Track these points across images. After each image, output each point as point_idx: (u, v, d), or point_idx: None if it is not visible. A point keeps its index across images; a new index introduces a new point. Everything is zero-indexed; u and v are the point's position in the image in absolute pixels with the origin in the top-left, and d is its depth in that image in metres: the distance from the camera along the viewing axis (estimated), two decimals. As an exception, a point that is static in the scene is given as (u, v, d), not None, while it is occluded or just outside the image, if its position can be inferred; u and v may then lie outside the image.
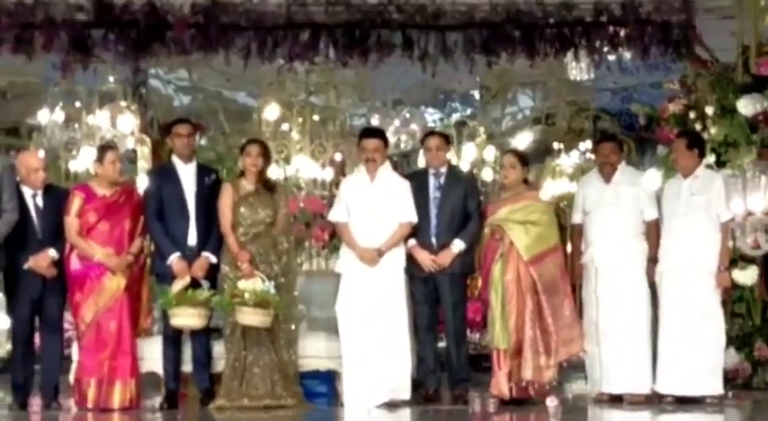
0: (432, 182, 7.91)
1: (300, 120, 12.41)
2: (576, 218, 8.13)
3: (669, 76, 9.80)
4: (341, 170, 10.46)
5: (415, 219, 7.72)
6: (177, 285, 7.46)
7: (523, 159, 7.98)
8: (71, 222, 7.54)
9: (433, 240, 7.79)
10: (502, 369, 7.65)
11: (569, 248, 8.30)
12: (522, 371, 7.59)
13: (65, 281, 7.59)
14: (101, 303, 7.50)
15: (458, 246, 7.75)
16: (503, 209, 7.78)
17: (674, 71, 9.55)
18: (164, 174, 7.90)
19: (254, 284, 7.39)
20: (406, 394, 7.66)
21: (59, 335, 7.80)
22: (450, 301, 7.83)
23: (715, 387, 7.69)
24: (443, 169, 7.96)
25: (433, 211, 7.83)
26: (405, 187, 7.80)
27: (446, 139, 8.18)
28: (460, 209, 7.85)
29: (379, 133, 8.10)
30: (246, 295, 7.31)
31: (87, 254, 7.50)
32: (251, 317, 7.36)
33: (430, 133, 8.51)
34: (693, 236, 7.68)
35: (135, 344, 7.61)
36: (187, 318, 7.45)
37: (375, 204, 7.72)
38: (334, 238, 9.56)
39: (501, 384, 7.64)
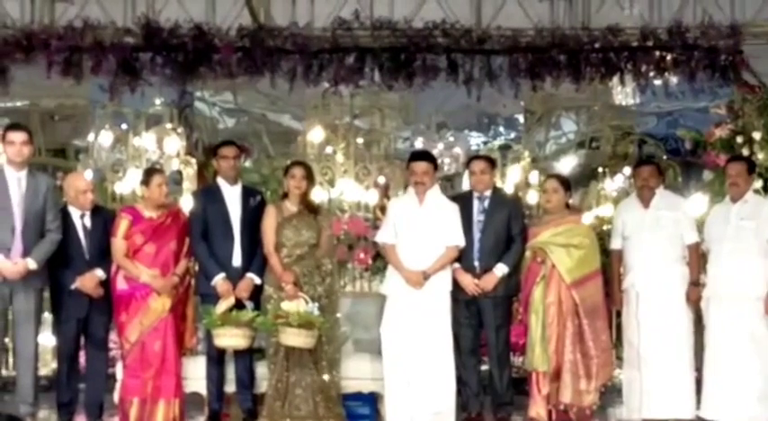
0: (476, 205, 7.90)
1: (345, 143, 12.44)
2: (616, 243, 8.09)
3: (715, 101, 9.76)
4: (385, 193, 10.47)
5: (462, 243, 7.71)
6: (222, 306, 7.50)
7: (566, 183, 7.97)
8: (118, 244, 7.60)
9: (477, 264, 7.78)
10: (541, 392, 7.64)
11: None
12: (560, 394, 7.58)
13: (111, 301, 7.65)
14: (146, 323, 7.55)
15: (501, 269, 7.74)
16: (545, 232, 7.77)
17: (720, 96, 9.50)
18: (209, 195, 7.95)
19: (297, 305, 7.41)
20: (450, 417, 7.64)
21: (105, 354, 7.85)
22: (494, 325, 7.81)
23: (762, 414, 7.61)
24: (488, 193, 7.95)
25: (476, 235, 7.81)
26: (453, 211, 7.79)
27: (491, 163, 8.16)
28: (504, 232, 7.84)
29: (428, 156, 8.07)
30: (290, 316, 7.33)
31: (133, 275, 7.56)
32: (294, 338, 7.37)
33: (475, 157, 8.50)
34: (741, 261, 7.62)
35: (179, 364, 7.65)
36: (231, 339, 7.48)
37: (423, 227, 7.72)
38: (377, 261, 9.57)
39: (539, 407, 7.64)
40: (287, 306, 7.41)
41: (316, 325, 7.39)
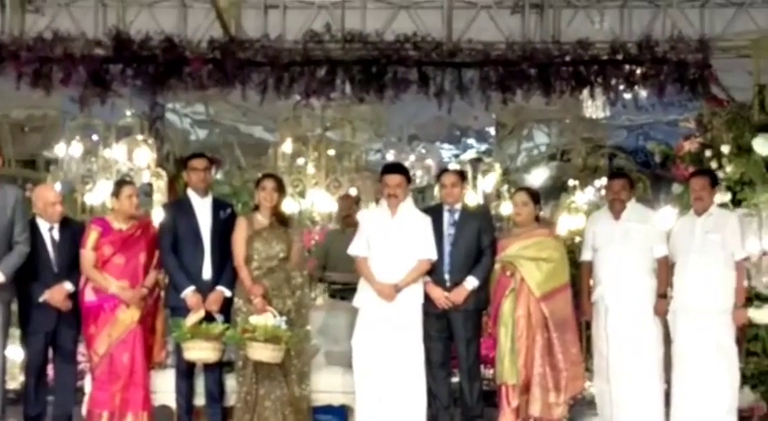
0: (446, 218, 7.90)
1: (316, 154, 12.46)
2: (586, 255, 8.11)
3: (685, 115, 9.84)
4: (350, 205, 10.44)
5: (434, 256, 7.70)
6: (191, 319, 7.46)
7: (535, 196, 7.99)
8: (87, 255, 7.57)
9: (447, 277, 7.77)
10: (510, 405, 7.65)
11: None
12: (530, 407, 7.59)
13: (79, 313, 7.61)
14: (114, 335, 7.51)
15: (471, 282, 7.74)
16: (514, 245, 7.78)
17: (690, 109, 9.59)
18: (179, 207, 7.91)
19: (265, 320, 7.39)
20: None
21: (73, 367, 7.79)
22: (464, 338, 7.81)
23: (731, 425, 7.65)
24: (458, 206, 7.96)
25: (446, 248, 7.81)
26: (426, 224, 7.78)
27: (462, 176, 8.17)
28: (475, 245, 7.84)
29: (401, 169, 8.04)
30: (257, 331, 7.31)
31: (102, 286, 7.53)
32: (261, 352, 7.34)
33: (445, 170, 8.49)
34: (708, 274, 7.65)
35: (148, 377, 7.62)
36: (201, 352, 7.45)
37: (395, 240, 7.72)
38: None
39: (508, 420, 7.64)
40: (254, 320, 7.38)
41: (283, 339, 7.36)
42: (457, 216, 7.90)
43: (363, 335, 7.68)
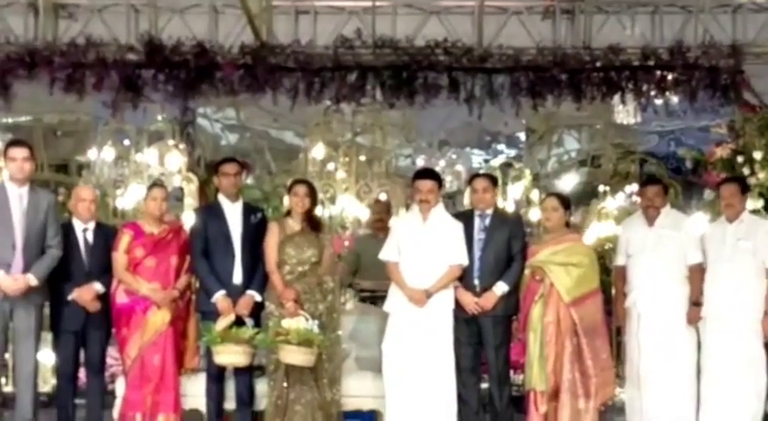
0: (477, 223, 7.89)
1: (346, 160, 12.46)
2: (620, 260, 8.08)
3: (717, 121, 9.77)
4: (382, 210, 10.45)
5: (465, 261, 7.70)
6: (222, 323, 7.49)
7: (565, 202, 7.96)
8: (119, 258, 7.62)
9: (477, 282, 7.77)
10: (538, 410, 7.63)
11: (613, 291, 8.25)
12: (559, 414, 7.55)
13: (108, 316, 7.66)
14: (145, 337, 7.56)
15: (501, 288, 7.73)
16: (544, 250, 7.77)
17: (721, 115, 9.51)
18: (210, 212, 7.95)
19: (297, 323, 7.41)
20: None
21: (101, 371, 7.84)
22: (493, 343, 7.80)
23: (755, 434, 7.62)
24: (489, 211, 7.94)
25: (476, 254, 7.80)
26: (457, 229, 7.77)
27: (493, 181, 8.15)
28: (505, 251, 7.82)
29: (433, 175, 8.04)
30: (290, 334, 7.33)
31: (134, 288, 7.58)
32: (294, 355, 7.37)
33: (476, 175, 8.46)
34: (738, 281, 7.61)
35: (178, 380, 7.65)
36: (231, 356, 7.48)
37: (426, 245, 7.72)
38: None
39: (537, 426, 7.63)
40: (287, 323, 7.41)
41: (315, 342, 7.38)
42: (488, 221, 7.88)
43: (394, 341, 7.69)
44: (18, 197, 7.40)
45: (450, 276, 7.69)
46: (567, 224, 7.97)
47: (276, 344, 7.40)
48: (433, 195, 7.80)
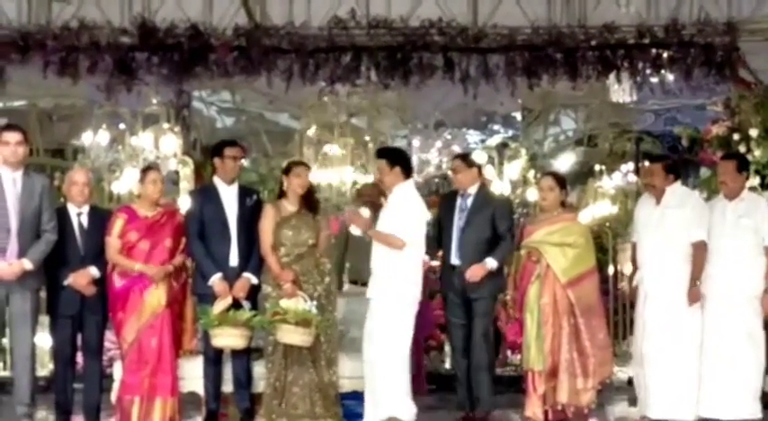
0: (458, 203, 7.93)
1: (342, 141, 12.45)
2: (634, 237, 8.06)
3: (713, 98, 9.73)
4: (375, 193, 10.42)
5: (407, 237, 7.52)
6: (218, 306, 7.50)
7: (561, 182, 7.96)
8: (112, 242, 7.60)
9: (457, 261, 7.80)
10: (537, 391, 7.63)
11: (610, 270, 8.23)
12: (557, 394, 7.58)
13: (105, 300, 7.66)
14: (142, 320, 7.55)
15: (490, 263, 7.72)
16: (539, 231, 7.77)
17: (717, 93, 9.47)
18: (206, 195, 7.94)
19: (296, 303, 7.42)
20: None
21: (99, 354, 7.84)
22: (480, 312, 7.84)
23: (755, 411, 7.62)
24: (471, 191, 7.93)
25: (455, 233, 7.85)
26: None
27: (468, 162, 8.09)
28: (488, 231, 7.82)
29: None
30: (288, 313, 7.33)
31: (127, 268, 7.56)
32: (292, 335, 7.38)
33: (455, 156, 8.53)
34: (738, 259, 7.60)
35: (176, 364, 7.65)
36: (228, 339, 7.49)
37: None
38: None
39: (535, 407, 7.65)
40: (285, 303, 7.42)
41: (313, 323, 7.39)
42: (469, 201, 7.90)
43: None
44: (12, 181, 7.39)
45: (386, 238, 7.53)
46: (563, 204, 7.95)
47: (274, 323, 7.40)
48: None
